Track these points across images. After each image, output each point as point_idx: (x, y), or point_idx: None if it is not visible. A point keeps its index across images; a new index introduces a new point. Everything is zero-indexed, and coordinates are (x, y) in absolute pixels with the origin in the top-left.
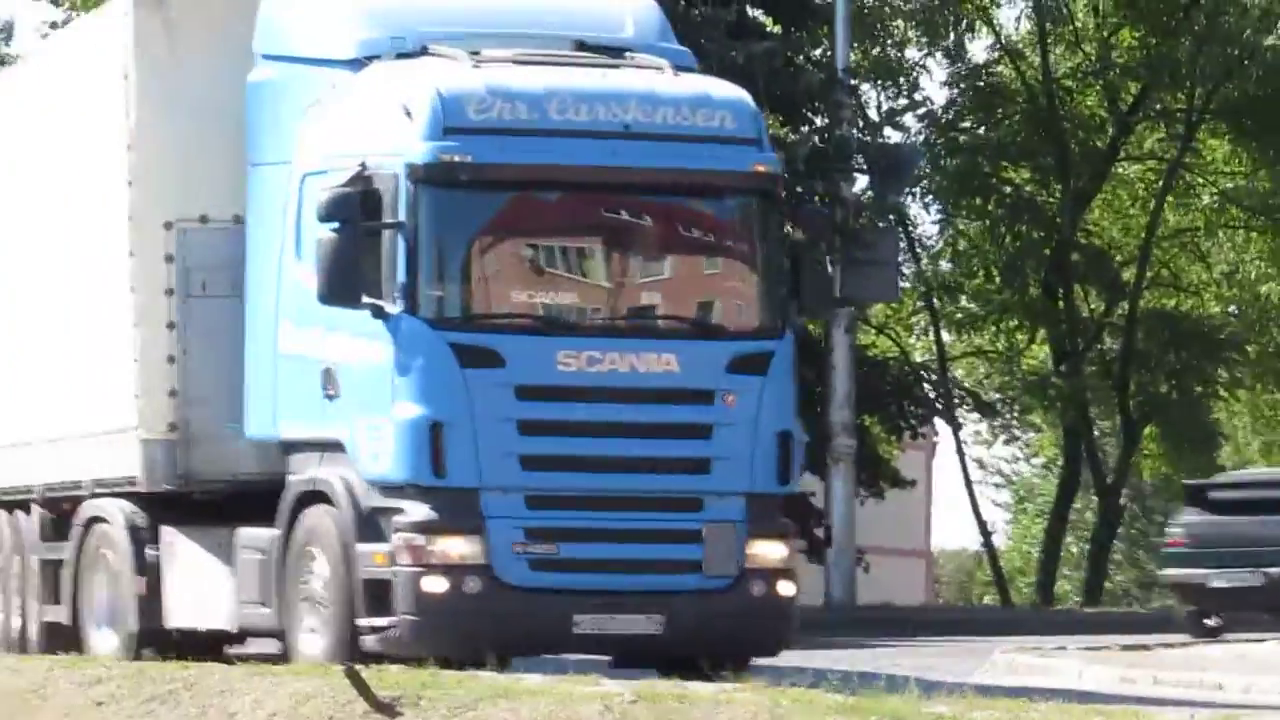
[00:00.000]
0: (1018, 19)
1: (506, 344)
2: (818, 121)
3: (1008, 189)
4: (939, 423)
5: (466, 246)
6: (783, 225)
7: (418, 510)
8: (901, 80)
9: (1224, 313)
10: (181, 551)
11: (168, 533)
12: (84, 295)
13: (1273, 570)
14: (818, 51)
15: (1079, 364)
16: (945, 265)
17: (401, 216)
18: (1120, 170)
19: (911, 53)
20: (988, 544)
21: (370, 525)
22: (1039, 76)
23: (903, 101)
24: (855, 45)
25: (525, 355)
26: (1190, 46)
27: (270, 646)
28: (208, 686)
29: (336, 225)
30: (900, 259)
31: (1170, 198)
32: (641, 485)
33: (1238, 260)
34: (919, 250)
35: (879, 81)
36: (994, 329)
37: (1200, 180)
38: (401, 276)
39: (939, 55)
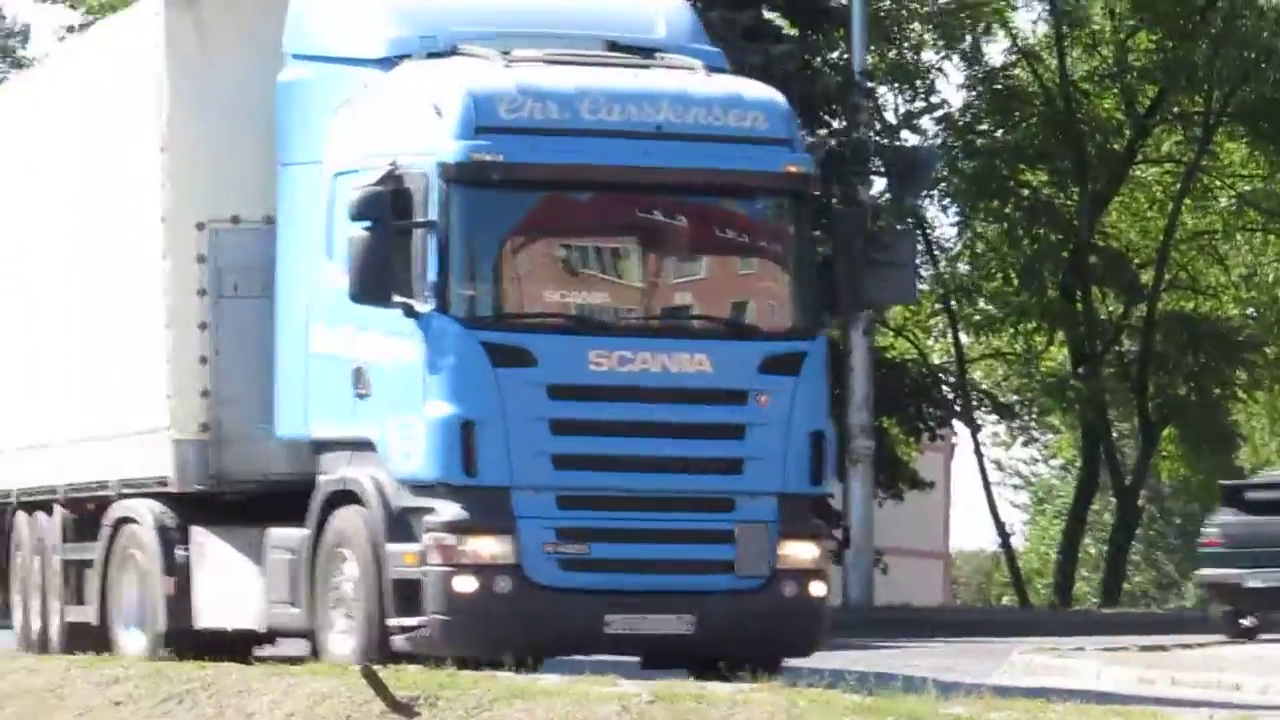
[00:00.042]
0: (1035, 22)
1: (538, 343)
2: (835, 124)
3: (1025, 192)
4: (957, 424)
5: (498, 246)
6: (815, 226)
7: (449, 509)
8: (918, 83)
9: (1242, 315)
10: (211, 552)
11: (198, 533)
12: (113, 296)
13: None
14: (834, 55)
15: (1097, 366)
16: (963, 268)
17: (433, 216)
18: (1138, 173)
19: (928, 55)
20: (1006, 545)
21: (401, 525)
22: (1056, 80)
23: (920, 104)
24: (872, 48)
25: (557, 355)
26: (1207, 49)
27: (299, 649)
28: (225, 686)
29: (368, 224)
30: (918, 261)
31: (1188, 200)
32: (673, 485)
33: (1255, 263)
34: (937, 253)
35: (896, 84)
36: (1012, 331)
37: (1218, 183)
38: (433, 275)
39: (955, 58)
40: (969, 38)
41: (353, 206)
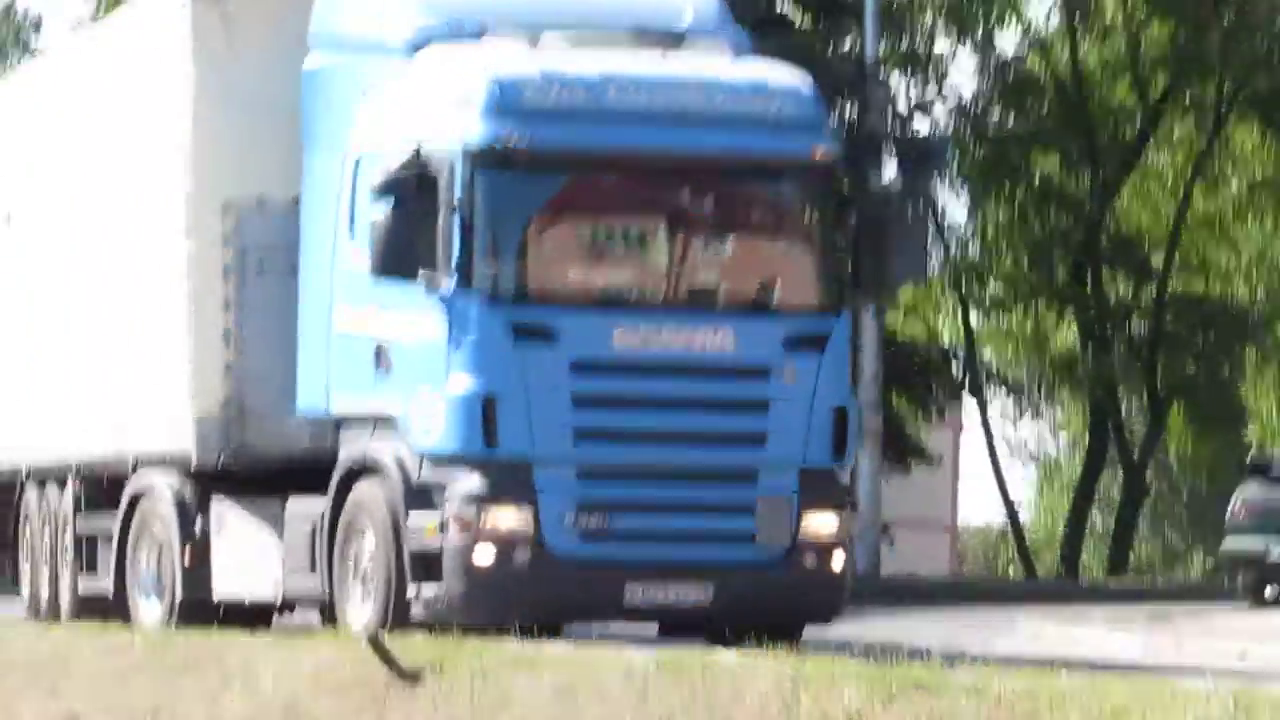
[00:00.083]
0: (1047, 14)
1: (561, 319)
2: (848, 113)
3: (1036, 177)
4: (965, 401)
5: (522, 227)
6: (841, 208)
7: (469, 481)
8: (930, 72)
9: (1252, 296)
10: (230, 522)
11: (217, 503)
12: (134, 274)
13: None
14: (847, 43)
15: (1108, 347)
16: (974, 251)
17: (457, 200)
18: (1149, 159)
19: (940, 44)
20: (1013, 519)
21: (421, 497)
22: (1068, 69)
23: (932, 93)
24: (884, 37)
25: (580, 331)
26: (1219, 37)
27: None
28: (231, 655)
29: (391, 206)
30: (928, 244)
31: (1199, 186)
32: (695, 459)
33: (1266, 245)
34: (947, 236)
35: (908, 72)
36: (1022, 312)
37: (1229, 169)
38: (456, 254)
39: (968, 47)
40: (981, 27)
41: (377, 189)
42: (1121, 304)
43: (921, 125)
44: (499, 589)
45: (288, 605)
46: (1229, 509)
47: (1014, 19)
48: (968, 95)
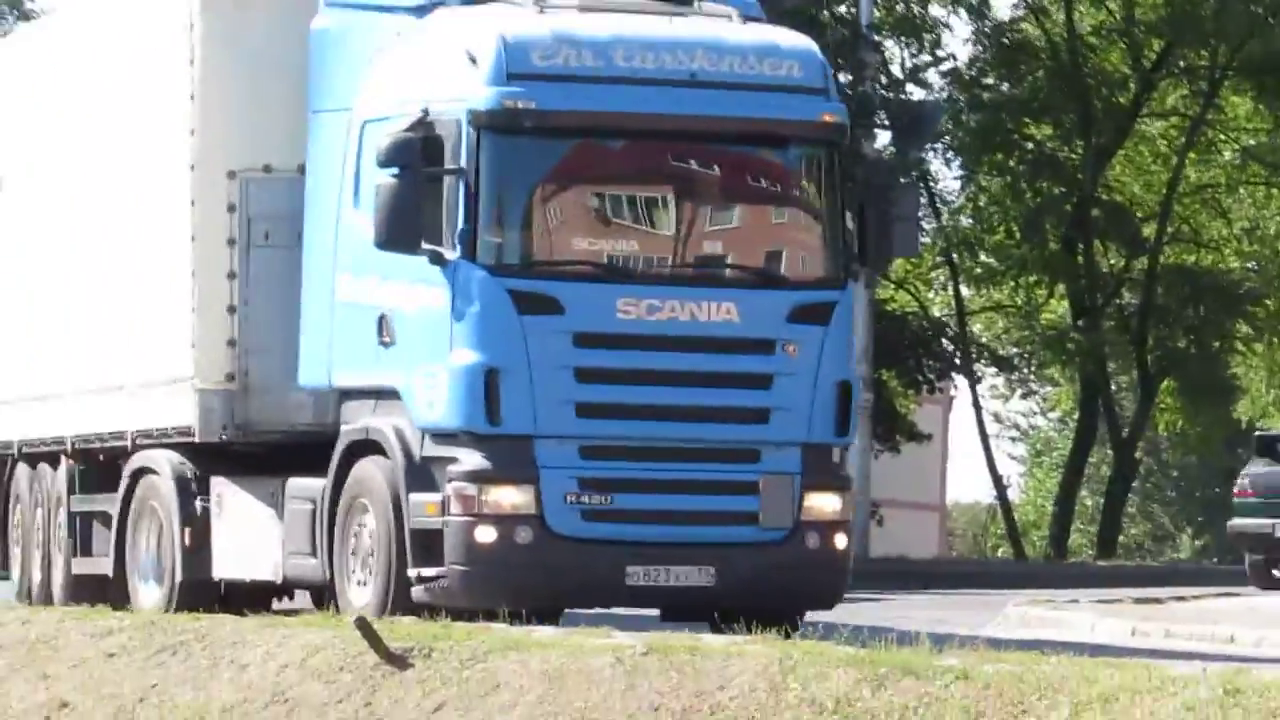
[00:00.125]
0: None
1: (566, 291)
2: (841, 78)
3: (1029, 145)
4: (956, 377)
5: (528, 194)
6: (848, 176)
7: (471, 459)
8: (925, 37)
9: (1243, 268)
10: (231, 502)
11: (218, 483)
12: (136, 245)
13: None
14: (842, 8)
15: (1098, 319)
16: (966, 221)
17: (463, 163)
18: (1142, 127)
19: (935, 9)
20: (1002, 498)
21: (422, 475)
22: (1063, 34)
23: (926, 58)
24: (879, 2)
25: (584, 302)
26: (1214, 3)
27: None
28: (219, 638)
29: (397, 171)
30: (921, 214)
31: (1192, 154)
32: (698, 435)
33: (1258, 216)
34: (940, 206)
35: (902, 38)
36: (1013, 284)
37: (1222, 137)
38: (461, 223)
39: (962, 12)
40: None
41: (382, 153)
42: (1113, 274)
43: (915, 91)
44: (501, 568)
45: (288, 588)
46: (1236, 487)
47: None
48: (962, 61)
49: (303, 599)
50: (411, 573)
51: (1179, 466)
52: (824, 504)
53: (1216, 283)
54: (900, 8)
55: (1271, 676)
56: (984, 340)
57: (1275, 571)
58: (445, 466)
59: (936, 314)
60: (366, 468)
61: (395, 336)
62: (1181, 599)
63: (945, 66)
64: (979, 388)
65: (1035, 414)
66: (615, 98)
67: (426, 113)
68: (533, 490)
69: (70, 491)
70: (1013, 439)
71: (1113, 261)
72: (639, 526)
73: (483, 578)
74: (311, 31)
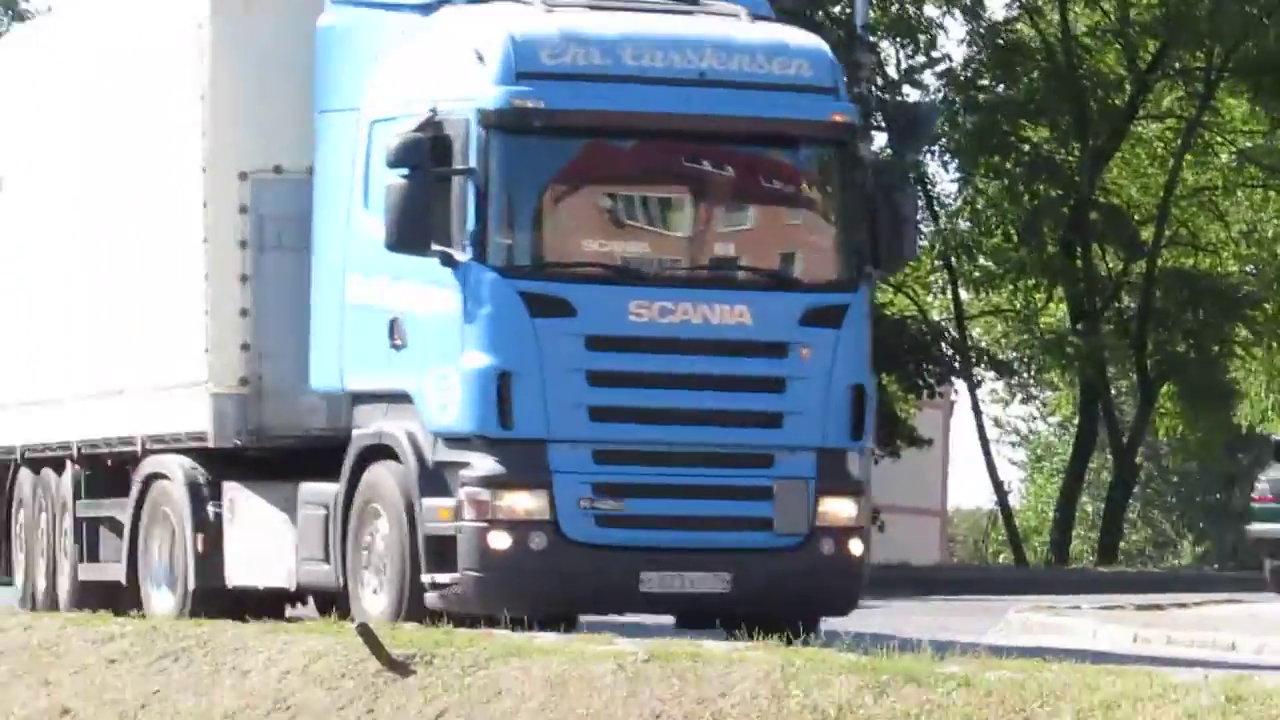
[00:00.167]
0: None
1: (577, 293)
2: None
3: (1026, 147)
4: (956, 381)
5: (537, 194)
6: (860, 176)
7: (484, 464)
8: (920, 38)
9: (1242, 271)
10: (243, 508)
11: (230, 488)
12: (144, 247)
13: None
14: (837, 9)
15: (1096, 323)
16: (964, 224)
17: (472, 163)
18: (1139, 129)
19: (930, 10)
20: (1003, 503)
21: (435, 480)
22: (1058, 34)
23: (921, 59)
24: (874, 2)
25: (596, 305)
26: (1209, 4)
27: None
28: (221, 644)
29: (406, 172)
30: (918, 217)
31: (1189, 156)
32: (712, 439)
33: (1256, 219)
34: (937, 209)
35: (897, 39)
36: (1012, 288)
37: (1219, 139)
38: (471, 224)
39: (958, 13)
40: None
41: (390, 154)
42: (1111, 279)
43: (911, 93)
44: (515, 574)
45: (301, 594)
46: (1254, 493)
47: None
48: (957, 62)
49: (305, 605)
50: (425, 579)
51: (1179, 472)
52: (839, 509)
53: (1215, 286)
54: (895, 8)
55: (1273, 684)
56: (983, 344)
57: None
58: (458, 471)
59: (935, 318)
60: (379, 472)
61: (406, 339)
62: (1183, 605)
63: (940, 68)
64: (978, 392)
65: (1035, 419)
66: (624, 97)
67: (435, 112)
68: (546, 495)
69: (76, 497)
70: (1013, 444)
71: (1111, 265)
72: (653, 532)
73: (497, 584)
74: (317, 30)
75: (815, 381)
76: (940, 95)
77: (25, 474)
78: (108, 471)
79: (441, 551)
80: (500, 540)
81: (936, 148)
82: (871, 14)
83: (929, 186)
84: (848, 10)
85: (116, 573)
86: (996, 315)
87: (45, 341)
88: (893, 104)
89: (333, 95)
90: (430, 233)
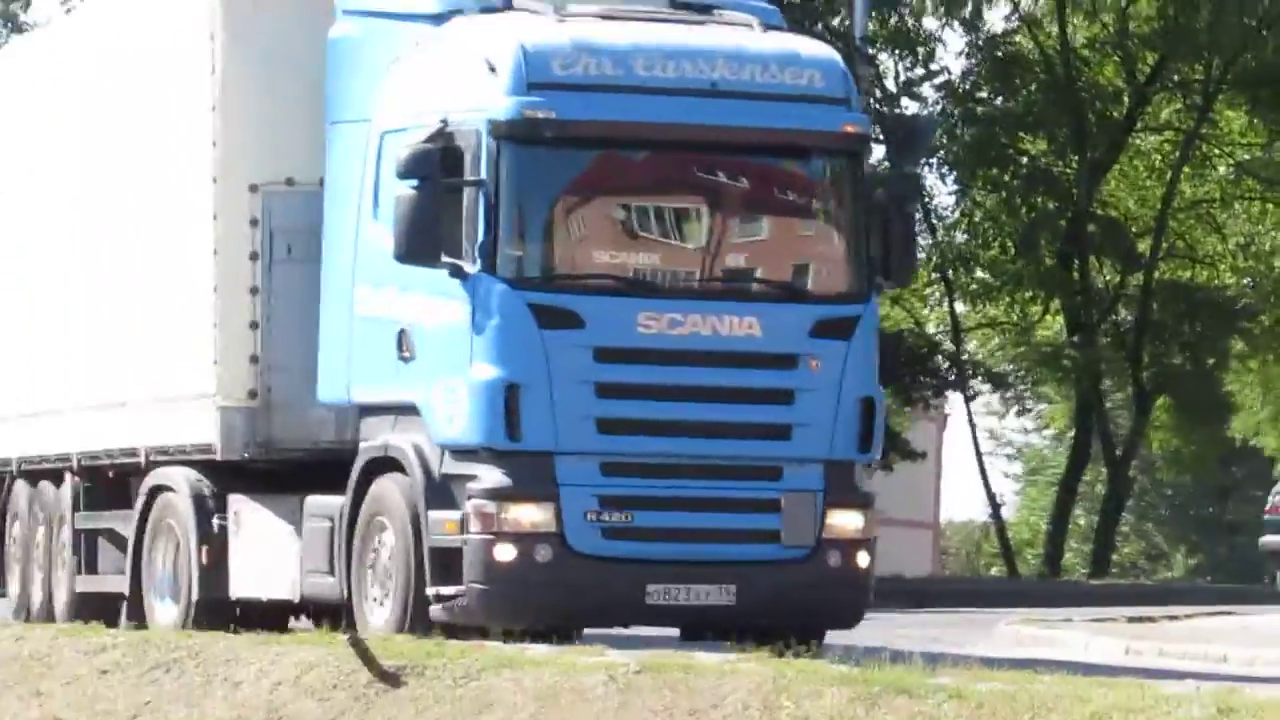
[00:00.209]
0: None
1: (586, 305)
2: None
3: (1024, 160)
4: (951, 394)
5: (548, 205)
6: (870, 187)
7: (491, 476)
8: (919, 50)
9: (1239, 284)
10: (248, 520)
11: (235, 501)
12: (150, 258)
13: None
14: (835, 21)
15: (1093, 335)
16: (961, 237)
17: (483, 174)
18: (1137, 141)
19: (929, 22)
20: (996, 516)
21: (442, 492)
22: (1056, 46)
23: (920, 71)
24: (873, 15)
25: (605, 317)
26: (1208, 16)
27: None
28: (212, 655)
29: (416, 183)
30: (916, 230)
31: (1186, 169)
32: (720, 451)
33: (1253, 231)
34: (935, 221)
35: (896, 51)
36: (1008, 300)
37: (1216, 151)
38: (481, 235)
39: (956, 25)
40: (970, 4)
41: (401, 165)
42: (1108, 290)
43: (909, 105)
44: (520, 587)
45: (305, 607)
46: (1267, 504)
47: None
48: (956, 74)
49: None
50: (430, 591)
51: (1173, 485)
52: (846, 522)
53: (1212, 299)
54: (894, 21)
55: (1264, 696)
56: (979, 357)
57: None
58: (465, 484)
59: (931, 331)
60: (385, 485)
61: (415, 351)
62: (1175, 618)
63: (939, 80)
64: (973, 405)
65: (1030, 431)
66: (636, 107)
67: (446, 123)
68: (553, 508)
69: (75, 509)
70: (1008, 457)
71: (1108, 277)
72: (659, 545)
73: (502, 596)
74: (329, 40)
75: (824, 393)
76: (939, 107)
77: (21, 486)
78: (108, 483)
79: (447, 564)
80: (505, 553)
81: (934, 160)
82: (870, 26)
83: (926, 199)
84: (846, 22)
85: (116, 584)
86: (993, 328)
87: (42, 354)
88: (891, 116)
89: (344, 106)
90: (440, 244)
